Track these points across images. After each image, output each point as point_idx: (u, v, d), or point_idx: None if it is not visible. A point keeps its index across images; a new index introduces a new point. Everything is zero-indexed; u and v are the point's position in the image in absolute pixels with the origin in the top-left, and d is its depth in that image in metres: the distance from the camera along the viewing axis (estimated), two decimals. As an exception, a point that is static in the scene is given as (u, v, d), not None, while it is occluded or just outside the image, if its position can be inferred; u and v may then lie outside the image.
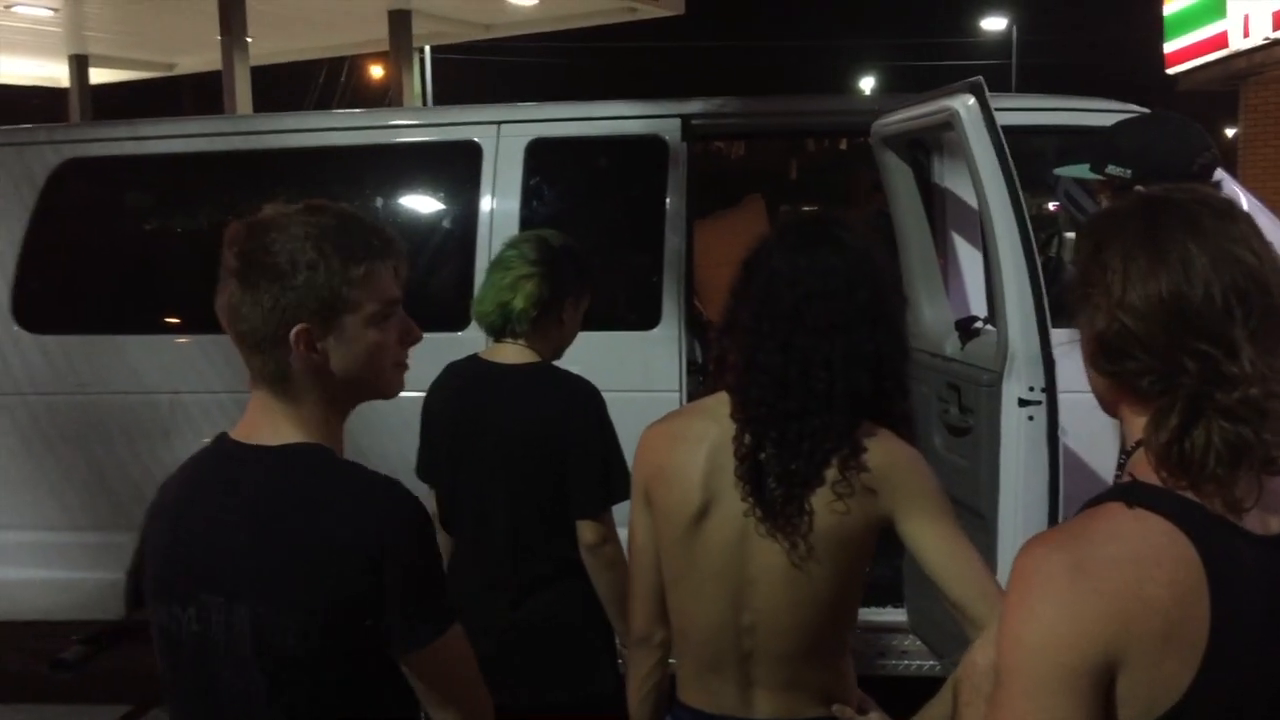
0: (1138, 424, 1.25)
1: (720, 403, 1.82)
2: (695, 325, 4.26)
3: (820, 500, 1.72)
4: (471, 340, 3.82)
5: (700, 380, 4.14)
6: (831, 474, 1.72)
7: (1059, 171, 2.75)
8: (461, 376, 2.71)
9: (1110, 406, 1.32)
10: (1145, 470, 1.23)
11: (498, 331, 2.66)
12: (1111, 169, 2.34)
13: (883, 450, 1.75)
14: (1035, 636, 1.16)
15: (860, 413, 1.75)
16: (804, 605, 1.77)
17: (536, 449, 2.56)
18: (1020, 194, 3.06)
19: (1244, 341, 1.18)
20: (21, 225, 4.11)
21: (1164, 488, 1.21)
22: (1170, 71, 13.65)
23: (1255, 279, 1.21)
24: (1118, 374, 1.25)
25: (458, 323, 3.96)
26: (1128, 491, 1.22)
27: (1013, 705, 1.16)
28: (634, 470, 1.91)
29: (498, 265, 2.68)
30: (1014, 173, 3.07)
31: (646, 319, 3.95)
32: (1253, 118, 12.64)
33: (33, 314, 4.10)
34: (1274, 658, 1.19)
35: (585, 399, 2.60)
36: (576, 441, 2.55)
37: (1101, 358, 1.26)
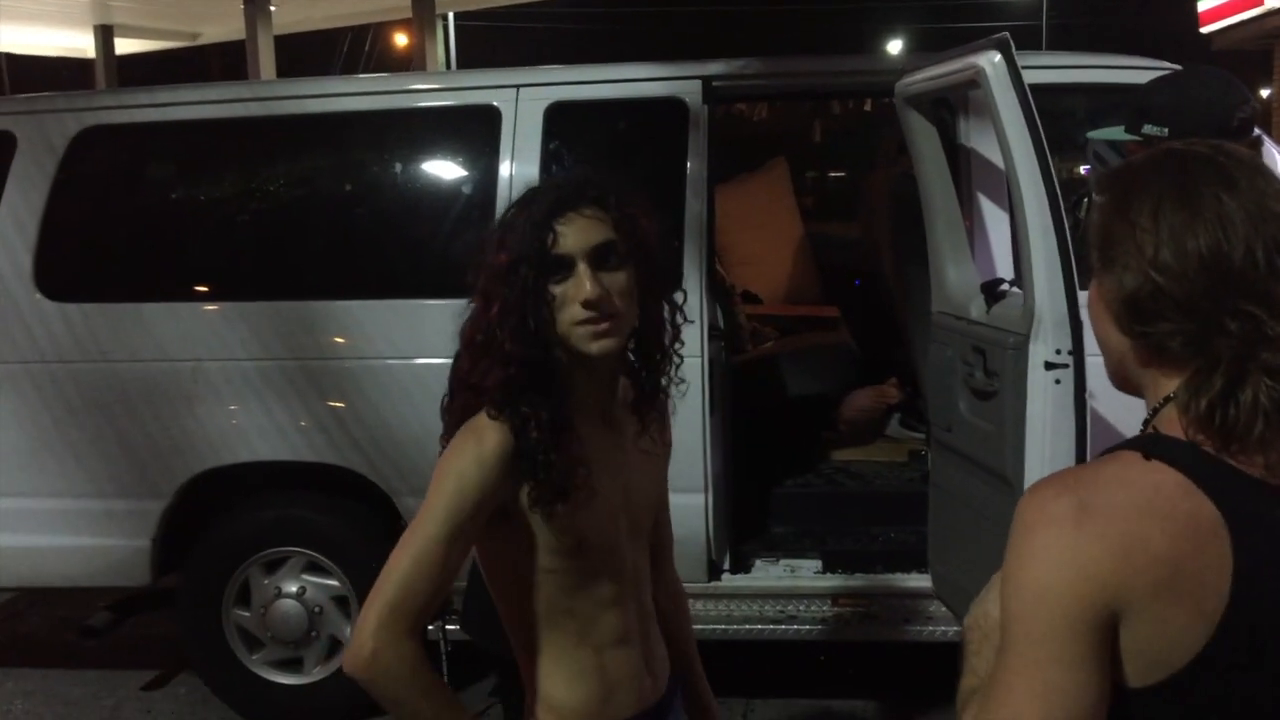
0: (1165, 386, 1.22)
1: None
2: (717, 290, 4.23)
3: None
4: (492, 306, 3.81)
5: (721, 346, 4.12)
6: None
7: (1092, 135, 2.68)
8: None
9: (1127, 370, 1.27)
10: (1173, 428, 1.19)
11: None
12: (1148, 128, 2.26)
13: None
14: (1038, 581, 1.13)
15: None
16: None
17: None
18: (1047, 153, 3.00)
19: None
20: (43, 193, 4.10)
21: (1187, 442, 1.17)
22: (1204, 30, 13.41)
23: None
24: (1148, 335, 1.20)
25: (478, 289, 3.95)
26: (1148, 442, 1.19)
27: (1018, 651, 1.14)
28: None
29: None
30: (1041, 131, 3.00)
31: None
32: (1288, 77, 12.42)
33: (55, 282, 4.10)
34: None
35: None
36: None
37: (1132, 319, 1.21)
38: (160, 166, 4.52)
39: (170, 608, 4.35)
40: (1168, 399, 1.20)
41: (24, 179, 4.12)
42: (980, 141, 3.92)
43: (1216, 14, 12.98)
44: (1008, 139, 3.05)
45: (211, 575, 4.16)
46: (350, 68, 20.96)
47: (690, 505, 3.84)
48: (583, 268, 1.63)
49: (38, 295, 4.08)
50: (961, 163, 3.99)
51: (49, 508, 4.11)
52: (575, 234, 1.64)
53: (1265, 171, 1.22)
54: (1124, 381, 1.30)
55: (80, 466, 4.08)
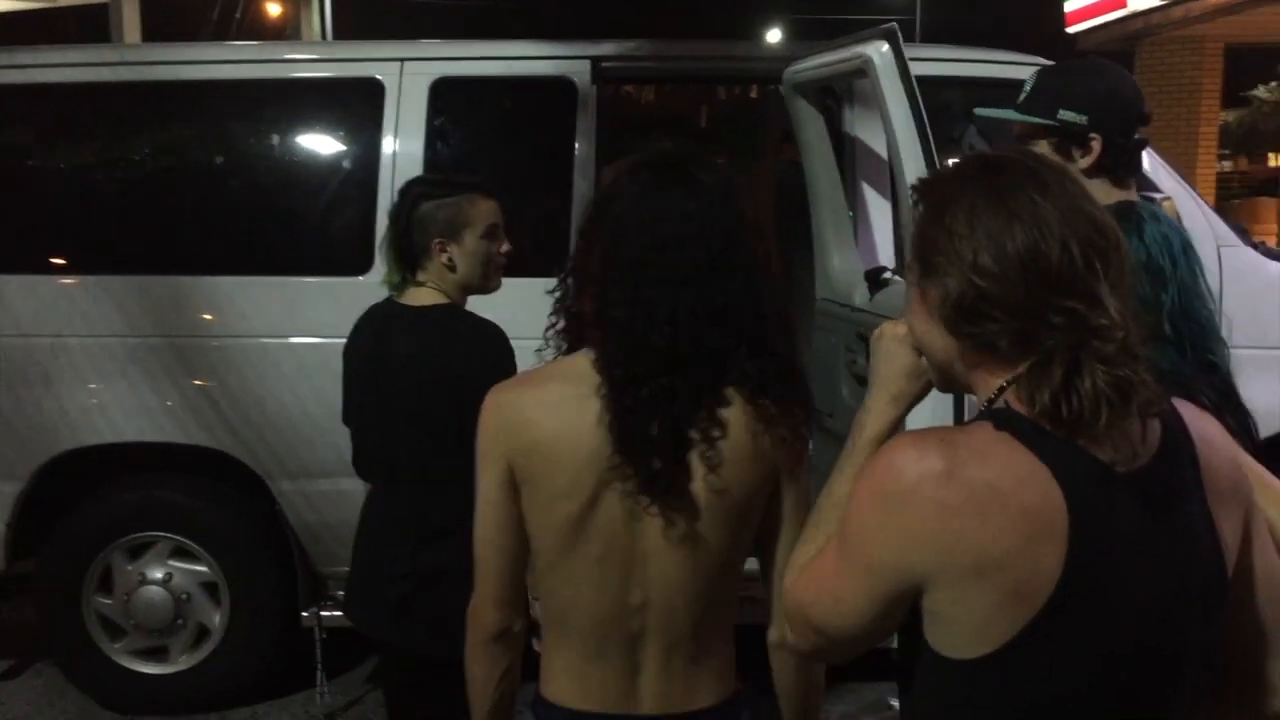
0: (991, 384, 1.28)
1: (587, 364, 1.61)
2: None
3: (696, 469, 1.58)
4: (373, 285, 3.70)
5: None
6: (697, 443, 1.58)
7: (980, 111, 2.70)
8: (375, 319, 2.66)
9: (955, 372, 1.33)
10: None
11: (398, 291, 2.65)
12: (1066, 114, 2.27)
13: (738, 414, 1.60)
14: (876, 523, 1.26)
15: (721, 372, 1.59)
16: (695, 581, 1.63)
17: (438, 392, 2.49)
18: (931, 143, 3.05)
19: (1107, 293, 1.21)
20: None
21: (1033, 421, 1.23)
22: (1070, 30, 13.87)
23: (1103, 232, 1.24)
24: (976, 336, 1.26)
25: (359, 268, 3.85)
26: (1000, 416, 1.25)
27: (848, 571, 1.30)
28: (489, 440, 1.67)
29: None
30: (925, 122, 3.05)
31: (555, 265, 3.86)
32: (1147, 78, 12.92)
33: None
34: (1129, 605, 1.22)
35: (487, 341, 2.54)
36: (478, 385, 2.48)
37: (960, 321, 1.26)
38: (20, 132, 4.27)
39: (25, 595, 4.15)
40: (1002, 389, 1.26)
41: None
42: (864, 131, 3.97)
43: (1082, 15, 13.43)
44: (893, 128, 3.09)
45: (71, 561, 3.97)
46: (221, 36, 20.25)
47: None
48: None
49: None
50: (846, 151, 4.04)
51: (-106, 490, 3.87)
52: None
53: (1071, 174, 1.32)
54: (951, 383, 1.37)
55: (-70, 447, 3.85)
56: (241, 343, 3.90)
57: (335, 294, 3.81)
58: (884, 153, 3.85)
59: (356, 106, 4.06)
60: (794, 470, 1.67)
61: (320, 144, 4.22)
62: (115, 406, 3.88)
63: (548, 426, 1.61)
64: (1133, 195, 2.24)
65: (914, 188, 1.38)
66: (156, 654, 4.03)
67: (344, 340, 2.72)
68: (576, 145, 3.94)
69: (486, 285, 2.67)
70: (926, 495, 1.21)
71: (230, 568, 3.97)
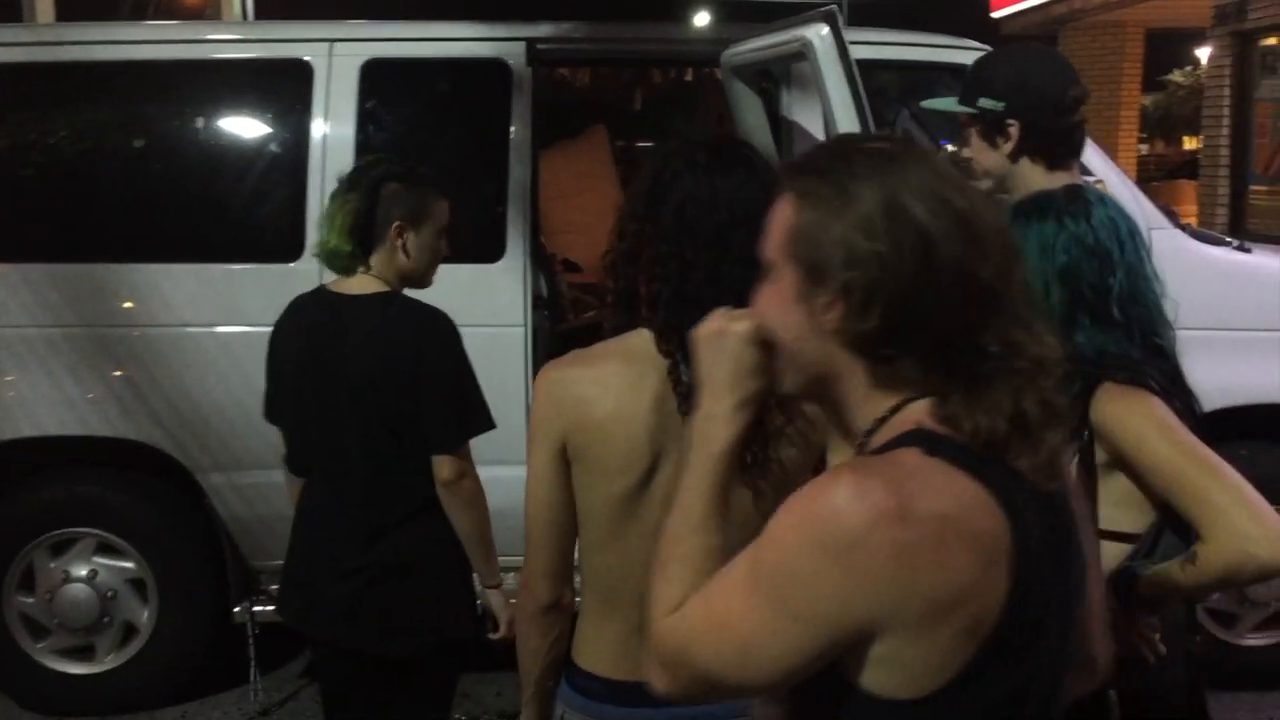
0: (881, 402, 1.18)
1: (646, 342, 1.64)
2: (540, 259, 4.15)
3: (767, 450, 1.58)
4: (304, 272, 3.63)
5: (546, 314, 4.05)
6: (777, 417, 1.58)
7: (925, 104, 2.70)
8: (308, 310, 2.58)
9: (825, 383, 1.20)
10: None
11: (333, 268, 2.56)
12: (984, 102, 2.27)
13: None
14: (817, 579, 1.09)
15: None
16: None
17: (387, 381, 2.43)
18: (871, 126, 3.04)
19: (1024, 309, 1.16)
20: None
21: (958, 440, 1.13)
22: (994, 14, 14.03)
23: (1010, 243, 1.19)
24: (892, 358, 1.15)
25: (289, 254, 3.76)
26: (926, 440, 1.13)
27: (767, 619, 1.12)
28: (542, 417, 1.69)
29: (332, 194, 2.57)
30: (866, 104, 3.04)
31: (490, 251, 3.82)
32: (1071, 62, 13.13)
33: None
34: (1052, 630, 1.18)
35: (437, 327, 2.49)
36: (429, 373, 2.44)
37: (879, 344, 1.15)
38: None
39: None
40: (897, 407, 1.16)
41: None
42: (802, 114, 3.95)
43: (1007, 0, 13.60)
44: (833, 111, 3.07)
45: (-10, 559, 3.83)
46: (138, 15, 19.73)
47: (511, 478, 3.76)
48: None
49: None
50: (783, 134, 4.03)
51: None
52: None
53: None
54: (813, 392, 1.24)
55: None
56: (167, 332, 3.79)
57: (264, 281, 3.71)
58: (821, 136, 3.84)
59: (284, 89, 3.95)
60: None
61: (247, 127, 4.10)
62: (35, 399, 3.75)
63: (602, 404, 1.65)
64: (1075, 178, 2.25)
65: (784, 184, 1.23)
66: (82, 653, 3.92)
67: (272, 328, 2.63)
68: (512, 129, 3.88)
69: (425, 280, 2.63)
70: (881, 538, 1.07)
71: (158, 564, 3.86)
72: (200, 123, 4.09)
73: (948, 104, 2.39)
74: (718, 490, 1.25)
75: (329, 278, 2.64)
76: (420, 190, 2.55)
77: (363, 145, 3.79)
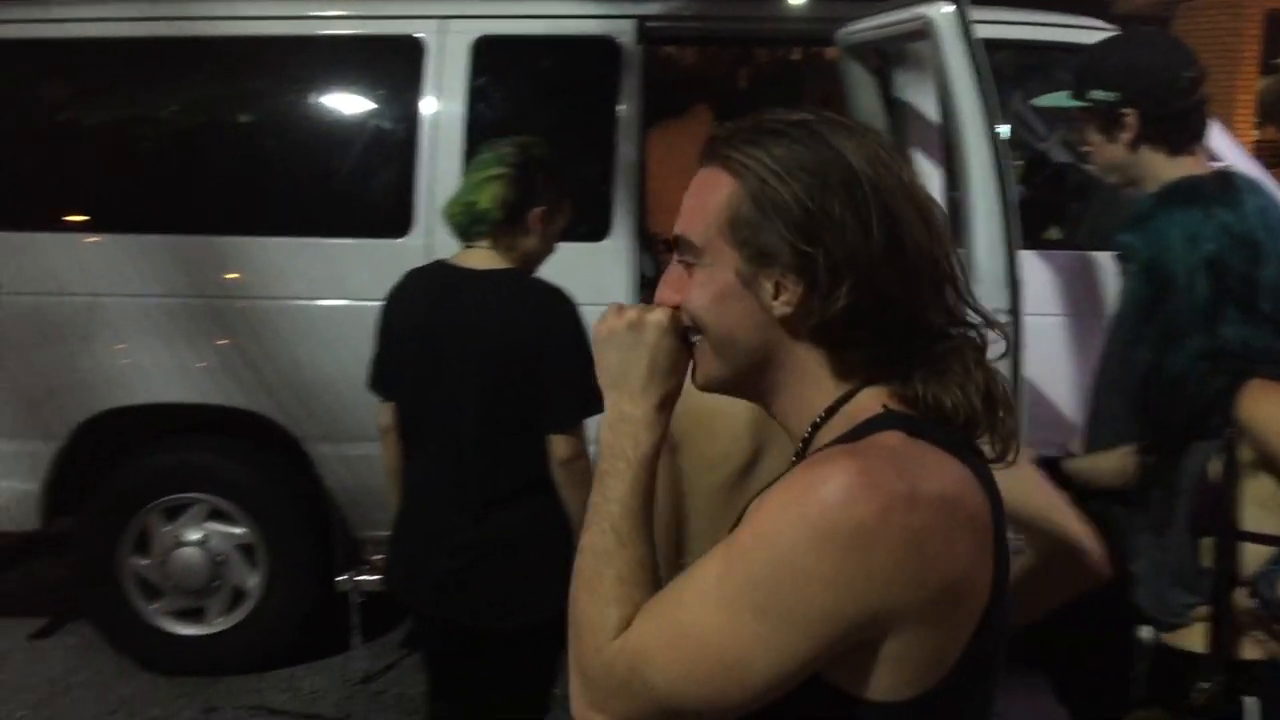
0: (828, 392, 1.11)
1: None
2: (645, 239, 4.13)
3: None
4: (412, 247, 3.67)
5: (649, 295, 4.02)
6: None
7: (1039, 101, 2.62)
8: (427, 282, 2.58)
9: (765, 371, 1.13)
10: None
11: (464, 232, 2.55)
12: (1096, 94, 2.20)
13: None
14: (835, 577, 0.99)
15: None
16: None
17: (508, 357, 2.44)
18: (996, 108, 2.96)
19: (964, 286, 1.13)
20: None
21: (930, 421, 1.08)
22: (1110, -4, 13.62)
23: (945, 217, 1.15)
24: (854, 342, 1.09)
25: (397, 229, 3.80)
26: (904, 422, 1.07)
27: (769, 632, 1.00)
28: None
29: (472, 166, 2.58)
30: (991, 85, 2.95)
31: (596, 230, 3.81)
32: (1186, 45, 12.69)
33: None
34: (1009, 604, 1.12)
35: (561, 306, 2.50)
36: (554, 351, 2.44)
37: (843, 327, 1.08)
38: (56, 87, 4.20)
39: (61, 554, 4.15)
40: (851, 393, 1.10)
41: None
42: (916, 95, 3.87)
43: (1120, -21, 13.21)
44: (956, 93, 2.99)
45: (107, 522, 3.96)
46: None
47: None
48: None
49: (-79, 221, 3.79)
50: (896, 116, 3.95)
51: (-66, 448, 3.86)
52: None
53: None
54: (746, 384, 1.16)
55: (-33, 404, 3.83)
56: (278, 304, 3.86)
57: (373, 256, 3.75)
58: (936, 119, 3.76)
59: (395, 65, 3.98)
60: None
61: (358, 103, 4.13)
62: (153, 367, 3.85)
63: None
64: (1201, 164, 2.16)
65: (741, 171, 1.11)
66: (193, 615, 4.03)
67: (381, 302, 2.65)
68: (620, 107, 3.86)
69: (535, 268, 2.64)
70: (895, 525, 0.98)
71: (267, 531, 3.95)
72: (312, 98, 4.14)
73: (1060, 99, 2.32)
74: (644, 499, 1.15)
75: (436, 253, 2.65)
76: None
77: (472, 123, 3.81)
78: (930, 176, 3.88)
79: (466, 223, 2.52)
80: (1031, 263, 3.36)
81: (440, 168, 3.75)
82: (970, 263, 3.02)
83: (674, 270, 1.17)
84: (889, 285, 1.06)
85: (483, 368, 2.45)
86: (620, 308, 1.19)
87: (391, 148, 3.97)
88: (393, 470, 2.70)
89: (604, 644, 1.07)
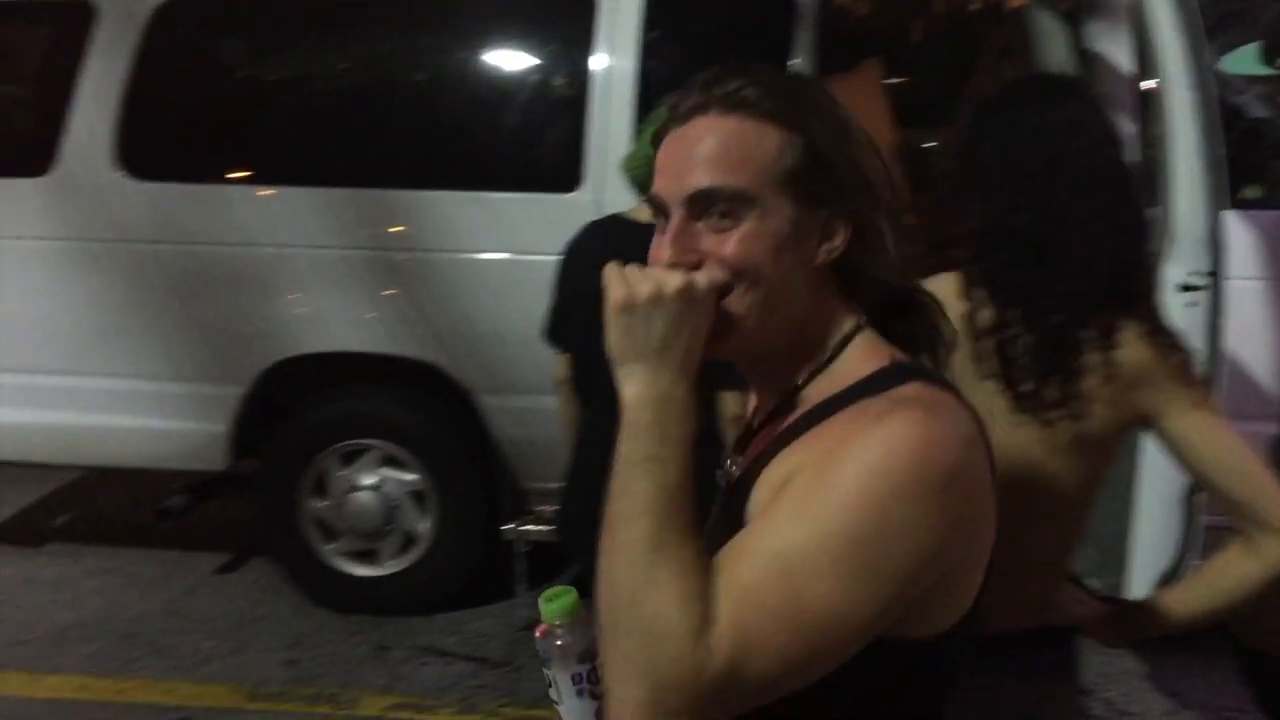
0: (829, 341, 1.14)
1: (947, 287, 1.62)
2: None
3: (1075, 386, 1.54)
4: (581, 202, 3.67)
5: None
6: (1091, 356, 1.54)
7: (1226, 64, 2.45)
8: (604, 235, 2.59)
9: (801, 330, 1.14)
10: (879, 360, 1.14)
11: (644, 186, 2.52)
12: None
13: (1141, 336, 1.55)
14: (927, 521, 1.00)
15: (1116, 289, 1.55)
16: (1041, 512, 1.60)
17: None
18: (1204, 57, 2.78)
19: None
20: (125, 67, 3.98)
21: (927, 368, 1.15)
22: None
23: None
24: (859, 291, 1.16)
25: (567, 184, 3.81)
26: (920, 372, 1.13)
27: (858, 593, 0.99)
28: None
29: (652, 119, 2.56)
30: (1201, 32, 2.78)
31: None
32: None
33: (137, 160, 4.00)
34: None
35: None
36: None
37: (856, 275, 1.14)
38: (246, 43, 4.36)
39: (244, 493, 4.34)
40: (850, 336, 1.14)
41: (106, 51, 4.00)
42: (1109, 45, 3.67)
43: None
44: (1160, 42, 2.82)
45: (288, 464, 4.13)
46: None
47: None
48: None
49: (119, 173, 3.98)
50: (1086, 69, 3.75)
51: (130, 389, 4.08)
52: None
53: None
54: (770, 349, 1.14)
55: (161, 349, 4.03)
56: (450, 257, 3.92)
57: (543, 211, 3.78)
58: (1129, 70, 3.57)
59: (568, 19, 3.98)
60: (1192, 413, 1.56)
61: (530, 57, 4.16)
62: (331, 316, 3.97)
63: None
64: None
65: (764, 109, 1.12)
66: (366, 556, 4.18)
67: (551, 256, 2.65)
68: (794, 61, 3.77)
69: None
70: (966, 465, 1.03)
71: (437, 478, 4.05)
72: (485, 53, 4.19)
73: (1249, 64, 2.15)
74: (691, 485, 1.06)
75: (605, 208, 2.63)
76: None
77: (644, 77, 3.78)
78: (1124, 134, 3.69)
79: (648, 176, 2.50)
80: (1231, 223, 3.17)
81: (611, 123, 3.74)
82: (1169, 223, 2.86)
83: (682, 227, 1.11)
84: (884, 233, 1.12)
85: None
86: (636, 272, 1.10)
87: (562, 102, 3.98)
88: (568, 421, 2.73)
89: (687, 649, 0.97)
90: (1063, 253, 1.53)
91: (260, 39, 4.34)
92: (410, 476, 4.08)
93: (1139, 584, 3.44)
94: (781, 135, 1.09)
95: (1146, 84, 3.57)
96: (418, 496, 4.09)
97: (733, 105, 1.10)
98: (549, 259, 2.72)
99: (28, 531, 4.97)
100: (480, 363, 3.93)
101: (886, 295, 1.15)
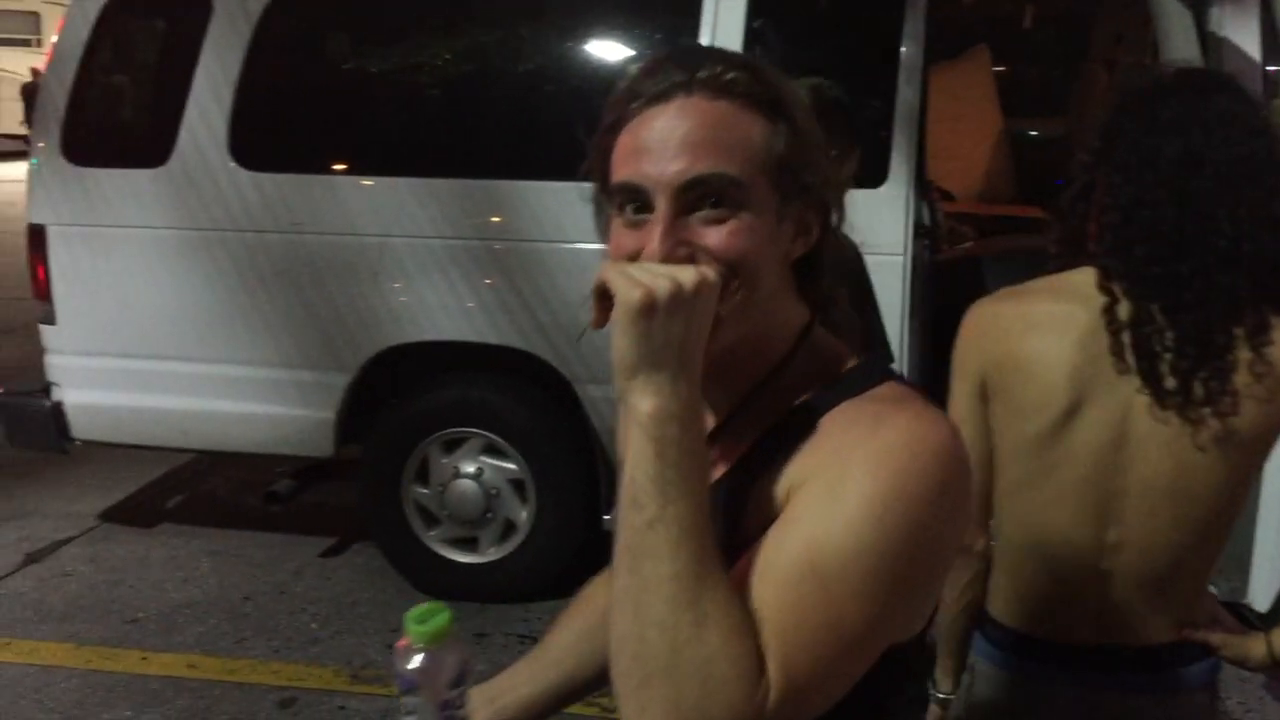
0: (788, 335, 1.10)
1: (1083, 279, 1.57)
2: (922, 186, 3.97)
3: (1225, 383, 1.48)
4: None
5: (926, 244, 3.88)
6: (1241, 353, 1.48)
7: None
8: None
9: (768, 315, 1.09)
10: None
11: None
12: None
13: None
14: (950, 516, 1.00)
15: (1265, 284, 1.49)
16: (1186, 515, 1.54)
17: None
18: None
19: None
20: (238, 60, 4.06)
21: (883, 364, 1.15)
22: None
23: None
24: (813, 283, 1.14)
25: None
26: (882, 370, 1.11)
27: (863, 603, 0.95)
28: (962, 353, 1.68)
29: None
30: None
31: (873, 176, 3.68)
32: None
33: (249, 151, 4.09)
34: None
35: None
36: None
37: (818, 265, 1.13)
38: (354, 35, 4.43)
39: (350, 479, 4.41)
40: (806, 330, 1.11)
41: (220, 45, 4.09)
42: (1237, 31, 3.52)
43: None
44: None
45: (392, 451, 4.18)
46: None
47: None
48: None
49: (233, 163, 4.07)
50: (1210, 54, 3.61)
51: (240, 375, 4.18)
52: None
53: None
54: (735, 341, 1.05)
55: (271, 337, 4.12)
56: (552, 248, 3.93)
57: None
58: (1258, 55, 3.42)
59: (673, 8, 3.96)
60: None
61: (636, 47, 4.14)
62: (435, 306, 4.01)
63: (1023, 339, 1.59)
64: None
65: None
66: (467, 544, 4.22)
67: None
68: (903, 48, 3.70)
69: None
70: (965, 464, 1.01)
71: (537, 467, 4.07)
72: (589, 43, 4.19)
73: None
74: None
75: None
76: (856, 126, 2.50)
77: (749, 66, 3.74)
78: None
79: None
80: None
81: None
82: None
83: (672, 218, 1.01)
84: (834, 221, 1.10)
85: None
86: (642, 269, 0.99)
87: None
88: None
89: (747, 694, 0.89)
90: (1206, 247, 1.47)
91: (366, 32, 4.41)
92: (510, 465, 4.10)
93: (1261, 591, 3.31)
94: (768, 122, 1.03)
95: (1275, 69, 3.42)
96: (518, 485, 4.12)
97: (720, 89, 1.02)
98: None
99: (142, 513, 5.13)
100: (581, 352, 3.93)
101: (825, 292, 1.12)
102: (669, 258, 0.99)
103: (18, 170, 5.52)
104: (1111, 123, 1.57)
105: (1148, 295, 1.50)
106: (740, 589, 0.94)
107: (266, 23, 4.08)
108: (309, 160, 4.14)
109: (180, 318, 4.18)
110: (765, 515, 1.00)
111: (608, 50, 4.17)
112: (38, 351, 4.40)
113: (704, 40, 3.78)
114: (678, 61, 1.04)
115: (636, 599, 0.92)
